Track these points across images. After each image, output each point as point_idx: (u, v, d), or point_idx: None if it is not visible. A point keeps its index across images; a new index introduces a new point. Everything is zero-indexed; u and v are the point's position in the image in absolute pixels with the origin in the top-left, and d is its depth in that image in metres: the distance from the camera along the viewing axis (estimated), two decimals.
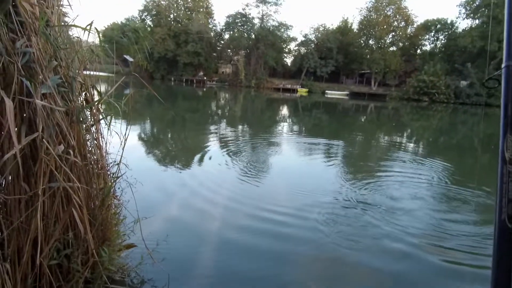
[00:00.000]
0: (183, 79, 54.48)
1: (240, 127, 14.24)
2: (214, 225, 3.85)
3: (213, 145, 8.95)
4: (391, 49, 51.61)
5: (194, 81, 54.12)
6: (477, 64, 42.30)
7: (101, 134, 2.50)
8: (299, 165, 7.52)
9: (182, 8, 59.23)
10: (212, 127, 13.35)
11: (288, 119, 19.17)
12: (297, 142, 10.57)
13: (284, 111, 25.18)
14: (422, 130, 18.47)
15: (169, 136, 10.73)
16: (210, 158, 7.18)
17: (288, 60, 61.72)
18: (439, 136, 16.29)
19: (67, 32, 2.48)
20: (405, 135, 15.94)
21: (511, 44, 0.98)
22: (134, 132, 9.32)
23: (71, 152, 2.01)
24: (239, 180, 5.69)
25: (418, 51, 53.90)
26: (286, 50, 60.34)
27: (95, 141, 2.45)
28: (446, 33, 50.76)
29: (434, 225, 4.17)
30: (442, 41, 51.56)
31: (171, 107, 18.83)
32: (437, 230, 4.00)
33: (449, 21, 50.44)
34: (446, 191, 5.78)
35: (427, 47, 53.54)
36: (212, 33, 58.37)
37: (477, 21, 46.19)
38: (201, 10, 58.79)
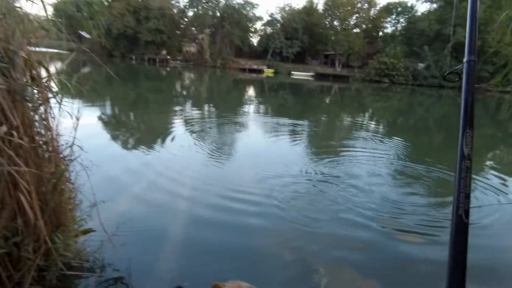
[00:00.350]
0: (145, 57, 52.02)
1: (206, 108, 13.99)
2: (176, 208, 3.79)
3: (177, 126, 8.74)
4: (354, 30, 52.50)
5: (157, 60, 51.78)
6: (433, 47, 44.20)
7: (50, 115, 2.33)
8: (263, 145, 7.56)
9: None
10: (176, 108, 13.00)
11: (254, 100, 19.10)
12: (263, 123, 10.60)
13: (251, 92, 25.04)
14: (382, 110, 19.20)
15: (130, 117, 10.32)
16: (173, 140, 7.01)
17: (254, 40, 60.94)
18: (398, 116, 17.05)
19: (10, 3, 2.24)
20: (366, 115, 16.49)
21: (472, 40, 0.97)
22: (92, 113, 8.85)
23: (15, 134, 1.86)
24: (203, 161, 5.62)
25: (380, 33, 55.26)
26: (252, 30, 59.43)
27: (44, 122, 2.28)
28: (407, 16, 52.29)
29: (392, 201, 4.38)
30: (403, 24, 53.12)
31: (133, 87, 18.05)
32: (395, 207, 4.19)
33: (409, 4, 52.02)
34: (403, 168, 6.10)
35: (389, 30, 55.08)
36: (175, 10, 55.93)
37: (435, 5, 47.93)
38: None
